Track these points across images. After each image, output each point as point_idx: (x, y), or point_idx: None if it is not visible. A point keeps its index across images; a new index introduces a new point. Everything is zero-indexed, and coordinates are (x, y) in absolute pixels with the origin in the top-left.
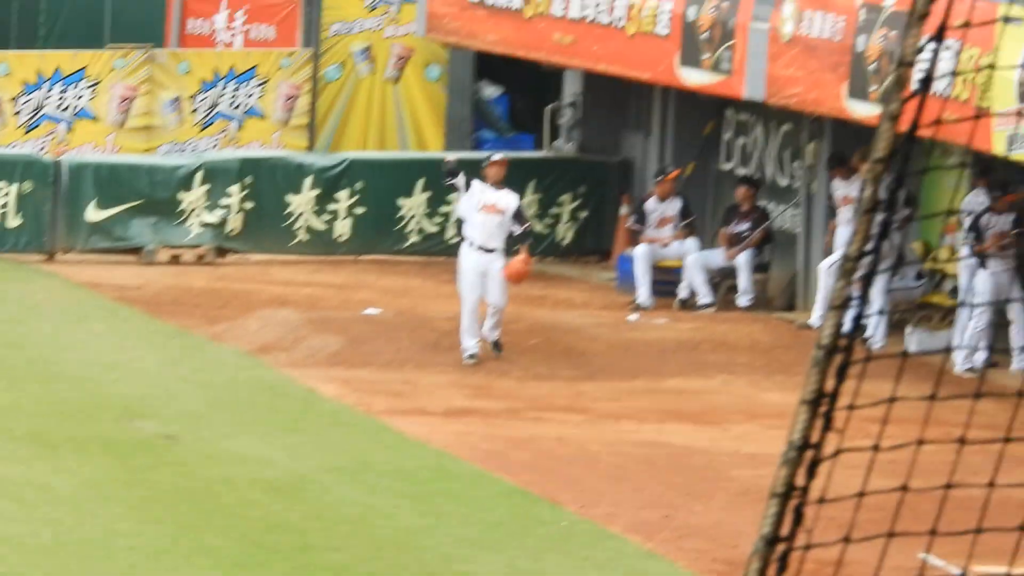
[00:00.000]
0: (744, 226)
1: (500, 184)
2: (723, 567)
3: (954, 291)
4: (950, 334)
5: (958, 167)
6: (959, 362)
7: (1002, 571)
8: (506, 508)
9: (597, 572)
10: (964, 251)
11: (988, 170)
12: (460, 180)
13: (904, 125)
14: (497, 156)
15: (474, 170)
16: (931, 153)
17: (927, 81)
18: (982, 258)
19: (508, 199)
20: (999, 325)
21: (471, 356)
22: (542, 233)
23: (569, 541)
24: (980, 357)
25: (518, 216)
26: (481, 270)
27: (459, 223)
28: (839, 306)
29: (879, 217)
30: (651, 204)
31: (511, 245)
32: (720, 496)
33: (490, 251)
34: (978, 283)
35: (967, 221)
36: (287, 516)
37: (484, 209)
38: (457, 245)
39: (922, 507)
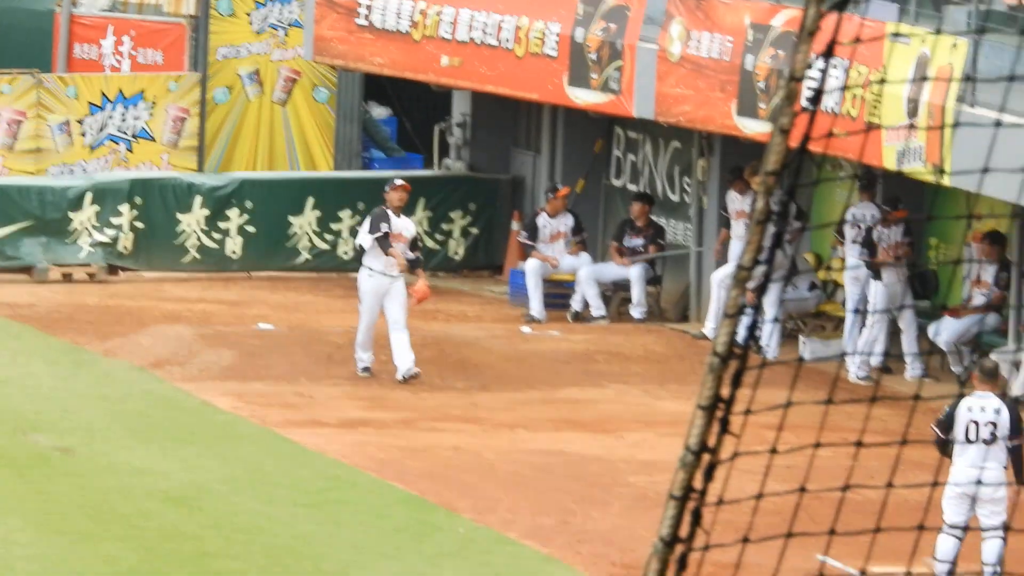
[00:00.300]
0: (638, 241)
1: (400, 210)
2: (621, 571)
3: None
4: (843, 343)
5: (850, 178)
6: (853, 369)
7: (901, 571)
8: (403, 515)
9: None
10: (851, 261)
11: (873, 184)
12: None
13: (795, 139)
14: (399, 181)
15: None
16: (822, 168)
17: (817, 95)
18: (876, 271)
19: (409, 226)
20: (891, 333)
21: (366, 369)
22: (434, 249)
23: (467, 548)
24: (875, 362)
25: (415, 242)
26: (382, 292)
27: (359, 250)
28: (733, 314)
29: (771, 228)
30: (542, 220)
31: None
32: (617, 502)
33: (394, 277)
34: (873, 294)
35: (853, 233)
36: (184, 525)
37: (391, 239)
38: (348, 262)
39: (820, 511)
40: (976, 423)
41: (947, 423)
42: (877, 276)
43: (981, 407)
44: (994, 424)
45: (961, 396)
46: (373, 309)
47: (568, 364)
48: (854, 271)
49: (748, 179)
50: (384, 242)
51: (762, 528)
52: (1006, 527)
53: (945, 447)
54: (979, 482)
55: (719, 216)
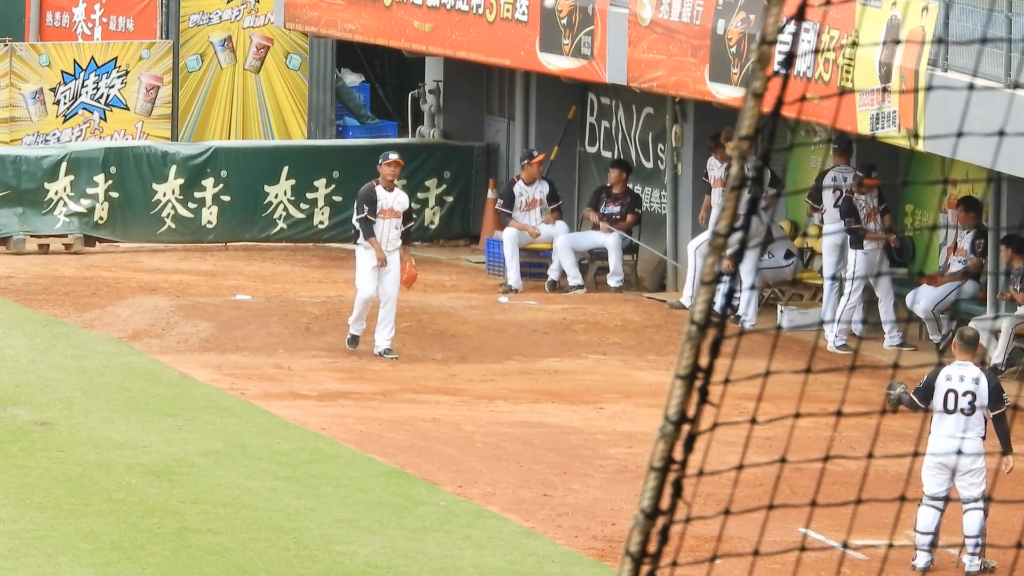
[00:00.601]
0: (615, 208)
1: (392, 184)
2: (602, 544)
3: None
4: (821, 311)
5: (824, 143)
6: (831, 339)
7: (883, 543)
8: (384, 489)
9: (477, 551)
10: (831, 227)
11: (849, 147)
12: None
13: (768, 104)
14: (392, 155)
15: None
16: (796, 133)
17: (790, 59)
18: (859, 238)
19: (401, 199)
20: (868, 302)
21: (353, 338)
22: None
23: (448, 521)
24: (856, 329)
25: (407, 215)
26: (379, 268)
27: (355, 228)
28: (710, 282)
29: (747, 194)
30: (518, 188)
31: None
32: (597, 474)
33: (390, 252)
34: (852, 262)
35: (834, 197)
36: (165, 500)
37: (381, 214)
38: (323, 231)
39: (801, 483)
40: (955, 392)
41: (926, 392)
42: (858, 244)
43: (960, 376)
44: (973, 394)
45: (940, 365)
46: (370, 282)
47: (546, 334)
48: (833, 238)
49: (723, 144)
50: (366, 227)
51: (743, 500)
52: (987, 498)
53: (913, 405)
54: (958, 452)
55: (701, 182)
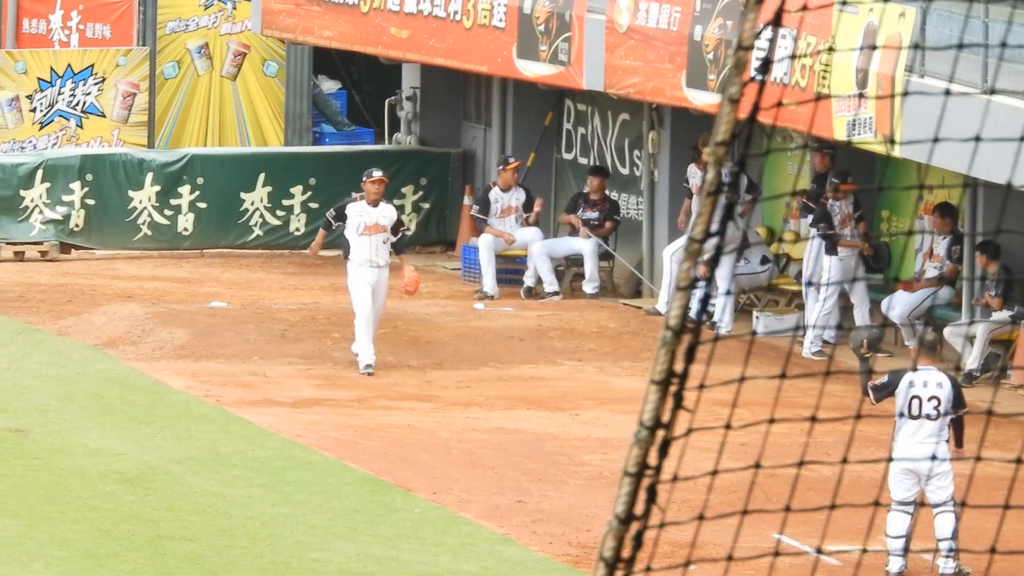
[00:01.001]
0: (593, 214)
1: (377, 201)
2: (577, 550)
3: (800, 275)
4: (797, 318)
5: (801, 148)
6: (807, 345)
7: (857, 548)
8: (359, 496)
9: (451, 557)
10: (814, 236)
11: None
12: (333, 222)
13: (745, 110)
14: (376, 174)
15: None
16: (772, 139)
17: (766, 65)
18: (833, 244)
19: (388, 213)
20: (844, 307)
21: (368, 367)
22: None
23: (422, 527)
24: (829, 335)
25: (396, 227)
26: (373, 284)
27: (345, 245)
28: (686, 287)
29: (723, 199)
30: (494, 194)
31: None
32: (572, 481)
33: (380, 268)
34: (828, 269)
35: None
36: (140, 507)
37: (366, 231)
38: (299, 238)
39: (775, 489)
40: (919, 398)
41: (884, 390)
42: (832, 250)
43: (924, 381)
44: (938, 399)
45: (904, 371)
46: (365, 300)
47: (522, 341)
48: (814, 245)
49: (700, 150)
50: (345, 245)
51: (718, 506)
52: (962, 503)
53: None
54: (926, 458)
55: (677, 189)
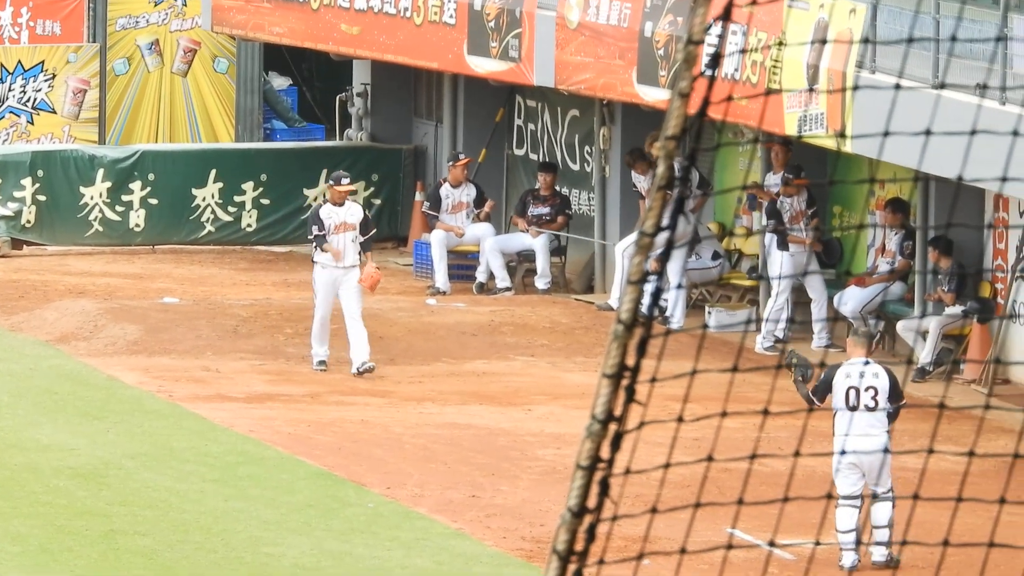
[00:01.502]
0: (544, 210)
1: (343, 202)
2: (531, 545)
3: (752, 270)
4: (749, 313)
5: (751, 142)
6: (759, 340)
7: (809, 542)
8: (312, 491)
9: (405, 552)
10: (767, 234)
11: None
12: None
13: (695, 104)
14: (345, 183)
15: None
16: (722, 134)
17: (716, 59)
18: (784, 240)
19: (354, 211)
20: (796, 302)
21: (320, 363)
22: None
23: (376, 522)
24: (780, 329)
25: (364, 225)
26: (336, 284)
27: (313, 244)
28: (637, 281)
29: (673, 194)
30: (445, 190)
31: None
32: (525, 476)
33: (347, 268)
34: (780, 264)
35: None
36: (93, 502)
37: (335, 230)
38: (251, 234)
39: (728, 483)
40: (856, 389)
41: (824, 389)
42: (783, 245)
43: (860, 372)
44: (875, 388)
45: (838, 365)
46: (327, 301)
47: (474, 336)
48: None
49: (649, 148)
50: (318, 241)
51: (671, 501)
52: (913, 495)
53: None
54: (874, 451)
55: (629, 184)
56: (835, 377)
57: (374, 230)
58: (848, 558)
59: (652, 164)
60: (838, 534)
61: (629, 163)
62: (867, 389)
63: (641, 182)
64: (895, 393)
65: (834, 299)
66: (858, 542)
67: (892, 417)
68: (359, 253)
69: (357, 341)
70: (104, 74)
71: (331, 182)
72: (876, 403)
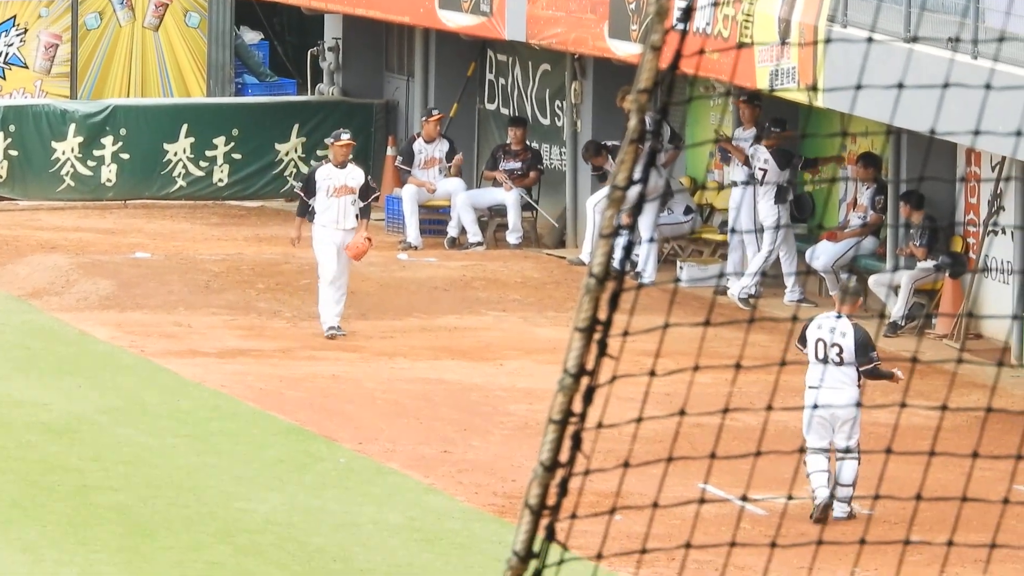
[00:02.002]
0: (516, 164)
1: (344, 163)
2: (503, 500)
3: (723, 225)
4: (721, 267)
5: (723, 96)
6: (738, 288)
7: (782, 497)
8: (284, 446)
9: (377, 507)
10: (738, 184)
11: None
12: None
13: (666, 58)
14: (344, 137)
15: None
16: (694, 88)
17: (688, 12)
18: (783, 191)
19: (355, 175)
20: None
21: (332, 329)
22: None
23: (348, 478)
24: (753, 283)
25: (365, 190)
26: (338, 244)
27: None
28: (609, 235)
29: (645, 147)
30: (418, 145)
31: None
32: (497, 431)
33: (348, 231)
34: (777, 217)
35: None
36: (65, 458)
37: (335, 192)
38: (223, 188)
39: (700, 438)
40: (823, 342)
41: (803, 338)
42: (781, 198)
43: (831, 327)
44: (839, 347)
45: (813, 318)
46: (331, 261)
47: (446, 291)
48: (741, 193)
49: (620, 102)
50: (302, 208)
51: (643, 456)
52: (886, 450)
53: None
54: (843, 405)
55: (601, 139)
56: (808, 328)
57: (376, 195)
58: (821, 494)
59: (610, 153)
60: (810, 475)
61: (586, 157)
62: (832, 345)
63: (612, 166)
64: (860, 353)
65: (806, 254)
66: (832, 496)
67: (872, 375)
68: (356, 216)
69: (338, 302)
70: (76, 28)
71: (331, 139)
72: (840, 360)
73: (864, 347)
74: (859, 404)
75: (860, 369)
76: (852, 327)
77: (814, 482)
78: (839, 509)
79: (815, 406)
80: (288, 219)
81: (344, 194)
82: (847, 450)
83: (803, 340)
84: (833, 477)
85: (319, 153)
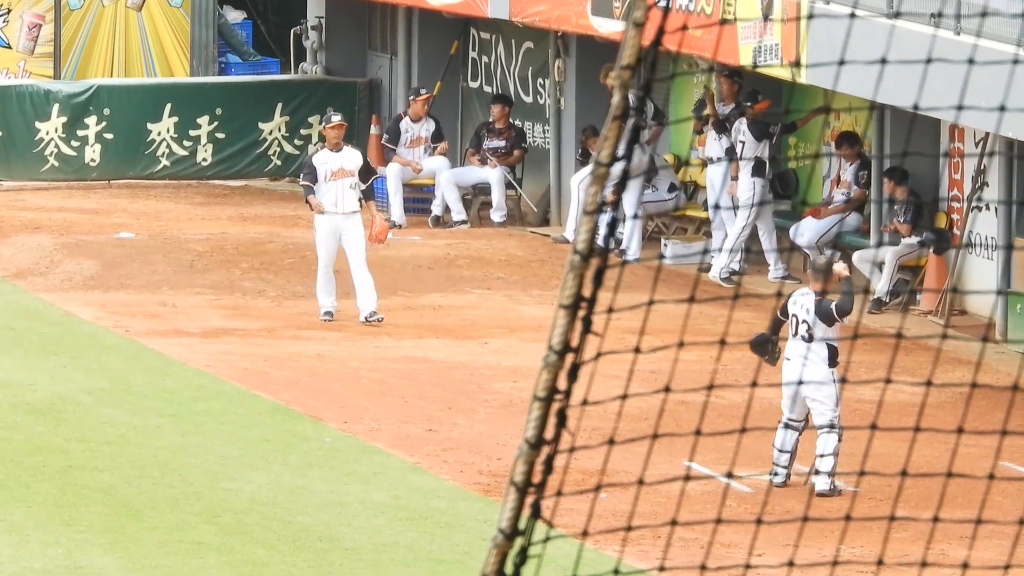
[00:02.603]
0: (500, 143)
1: (339, 145)
2: (488, 479)
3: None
4: (706, 244)
5: (706, 72)
6: (719, 269)
7: (766, 475)
8: (269, 426)
9: (362, 486)
10: (719, 160)
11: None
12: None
13: (649, 35)
14: (335, 118)
15: None
16: (677, 64)
17: None
18: (762, 165)
19: (352, 157)
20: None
21: (327, 314)
22: (293, 154)
23: (334, 457)
24: (737, 261)
25: (365, 171)
26: (338, 231)
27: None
28: (593, 211)
29: (629, 123)
30: (404, 124)
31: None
32: (482, 409)
33: (347, 215)
34: (753, 191)
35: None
36: (50, 438)
37: (332, 176)
38: (206, 168)
39: (685, 416)
40: (796, 317)
41: (776, 318)
42: (760, 172)
43: (802, 304)
44: (807, 323)
45: (790, 294)
46: (330, 248)
47: (430, 270)
48: (720, 169)
49: (603, 79)
50: (308, 191)
51: (628, 433)
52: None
53: (765, 347)
54: (802, 381)
55: (583, 117)
56: (788, 302)
57: (376, 176)
58: (779, 478)
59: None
60: (774, 451)
61: (584, 142)
62: (802, 322)
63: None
64: (824, 317)
65: (790, 231)
66: (790, 463)
67: (840, 310)
68: (360, 200)
69: (364, 289)
70: (59, 9)
71: (323, 123)
72: (811, 336)
73: (825, 314)
74: (836, 382)
75: (835, 319)
76: (815, 302)
77: (775, 459)
78: (820, 483)
79: (801, 382)
80: (272, 198)
81: (341, 177)
82: (830, 426)
83: (784, 312)
84: (794, 457)
85: (303, 132)
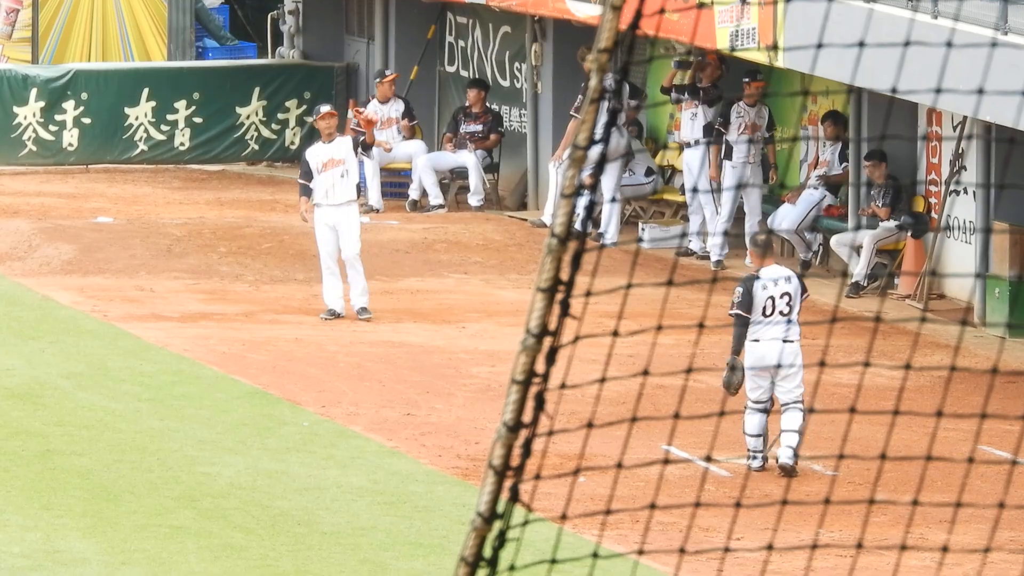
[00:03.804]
0: (477, 127)
1: (333, 136)
2: (466, 463)
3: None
4: (684, 228)
5: (684, 55)
6: (717, 251)
7: (744, 459)
8: (247, 410)
9: (340, 470)
10: (697, 143)
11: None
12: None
13: (627, 18)
14: (325, 108)
15: None
16: (654, 48)
17: None
18: (729, 149)
19: (343, 147)
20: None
21: (331, 312)
22: (271, 139)
23: (312, 441)
24: (718, 243)
25: (355, 144)
26: (332, 225)
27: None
28: (571, 195)
29: (606, 106)
30: (372, 107)
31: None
32: (460, 393)
33: (338, 206)
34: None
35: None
36: (28, 422)
37: (323, 167)
38: (184, 152)
39: (663, 400)
40: (773, 298)
41: (745, 303)
42: (728, 156)
43: (774, 280)
44: (788, 294)
45: (753, 277)
46: (328, 244)
47: (408, 254)
48: (695, 150)
49: (581, 60)
50: (305, 190)
51: (606, 417)
52: (850, 409)
53: (742, 338)
54: (779, 362)
55: (561, 101)
56: (754, 289)
57: (363, 139)
58: (756, 462)
59: None
60: (746, 438)
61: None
62: (782, 295)
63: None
64: (743, 304)
65: (769, 220)
66: (764, 447)
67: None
68: (357, 187)
69: (355, 285)
70: None
71: (313, 115)
72: (790, 308)
73: (803, 282)
74: (799, 356)
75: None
76: (790, 271)
77: (750, 445)
78: (784, 455)
79: (758, 361)
80: (250, 183)
81: (332, 167)
82: (796, 402)
83: (747, 304)
84: (767, 440)
85: (280, 117)
